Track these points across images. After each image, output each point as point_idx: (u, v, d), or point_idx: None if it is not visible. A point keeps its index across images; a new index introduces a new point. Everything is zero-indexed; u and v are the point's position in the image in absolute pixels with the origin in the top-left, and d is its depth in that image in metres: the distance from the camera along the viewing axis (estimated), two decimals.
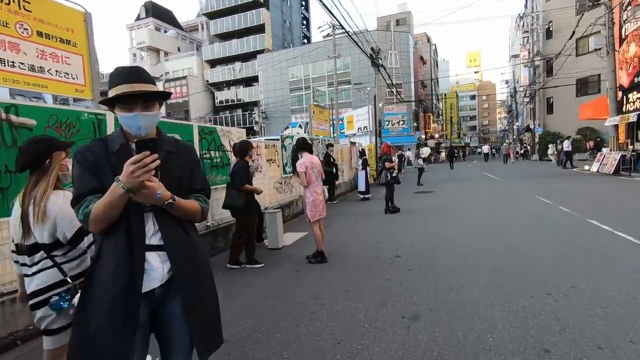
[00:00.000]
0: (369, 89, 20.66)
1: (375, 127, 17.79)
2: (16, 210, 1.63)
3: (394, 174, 7.70)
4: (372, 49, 16.18)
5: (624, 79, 14.64)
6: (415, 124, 38.26)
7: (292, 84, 38.38)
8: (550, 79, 27.94)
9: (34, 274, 1.60)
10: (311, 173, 4.39)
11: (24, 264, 1.65)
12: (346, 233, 6.19)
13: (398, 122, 34.49)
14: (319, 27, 23.18)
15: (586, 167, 16.35)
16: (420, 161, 14.38)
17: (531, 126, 30.71)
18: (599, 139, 17.80)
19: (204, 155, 5.53)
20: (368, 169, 11.05)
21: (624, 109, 14.82)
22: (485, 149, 30.06)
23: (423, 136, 39.08)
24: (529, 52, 35.00)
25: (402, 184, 14.94)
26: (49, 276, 1.59)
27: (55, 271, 1.59)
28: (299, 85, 37.78)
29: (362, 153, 11.03)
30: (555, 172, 16.23)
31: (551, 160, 26.23)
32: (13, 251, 1.72)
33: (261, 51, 41.18)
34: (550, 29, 29.53)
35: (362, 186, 10.65)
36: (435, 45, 55.03)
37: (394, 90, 30.85)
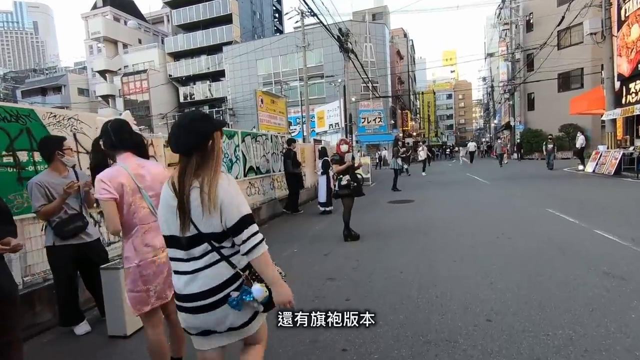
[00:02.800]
0: (339, 80, 18.33)
1: (346, 122, 15.44)
2: (167, 197, 1.42)
3: (345, 182, 5.22)
4: (339, 30, 13.83)
5: (624, 67, 12.91)
6: (393, 121, 36.32)
7: (261, 79, 35.59)
8: (531, 74, 26.54)
9: (197, 270, 1.39)
10: (131, 202, 1.88)
11: (177, 259, 1.43)
12: None
13: (374, 120, 32.45)
14: (287, 14, 20.47)
15: (580, 167, 14.61)
16: (399, 161, 12.05)
17: (512, 123, 29.30)
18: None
19: None
20: (331, 173, 8.63)
21: (623, 101, 13.10)
22: (472, 146, 27.18)
23: (400, 134, 37.20)
24: (507, 47, 33.76)
25: (375, 190, 13.00)
26: (219, 271, 1.39)
27: (224, 265, 1.40)
28: (269, 80, 35.03)
29: (322, 152, 8.58)
30: (548, 173, 14.39)
31: (536, 160, 24.83)
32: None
33: (228, 43, 38.21)
34: (531, 21, 28.18)
35: (322, 196, 8.23)
36: (412, 41, 53.53)
37: (369, 85, 28.76)
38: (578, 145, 15.33)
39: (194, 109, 40.23)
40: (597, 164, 13.42)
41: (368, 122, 31.81)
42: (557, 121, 25.09)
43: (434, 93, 72.92)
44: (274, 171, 8.71)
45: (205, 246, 1.38)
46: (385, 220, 6.85)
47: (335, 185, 5.55)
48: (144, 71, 39.90)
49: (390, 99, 35.56)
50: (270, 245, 1.44)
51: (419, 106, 59.92)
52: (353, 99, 26.59)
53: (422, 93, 63.55)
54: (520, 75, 28.77)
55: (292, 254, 4.90)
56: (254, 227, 1.37)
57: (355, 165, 5.63)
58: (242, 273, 1.41)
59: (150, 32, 47.61)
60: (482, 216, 6.59)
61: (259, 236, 1.37)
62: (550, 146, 15.95)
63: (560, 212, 6.30)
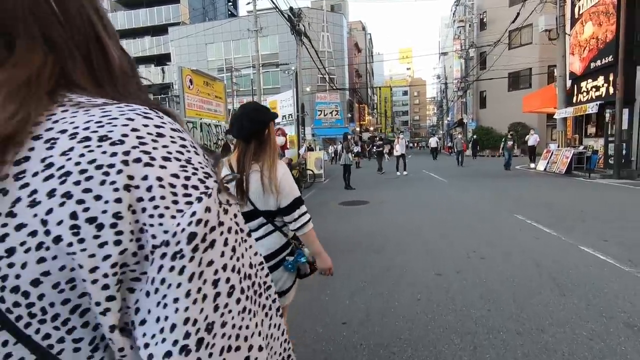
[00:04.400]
0: (293, 68, 16.90)
1: (297, 112, 14.11)
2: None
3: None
4: (291, 9, 12.39)
5: (576, 65, 12.86)
6: (350, 115, 35.58)
7: (211, 65, 33.05)
8: (483, 72, 26.93)
9: (257, 239, 1.58)
10: None
11: None
12: None
13: (331, 113, 31.42)
14: None
15: (532, 165, 14.58)
16: (350, 156, 11.00)
17: (465, 120, 29.74)
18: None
19: None
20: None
21: (574, 100, 13.09)
22: (433, 142, 26.51)
23: (358, 128, 36.62)
24: (461, 45, 34.29)
25: (327, 188, 11.72)
26: (275, 240, 1.60)
27: (278, 234, 1.61)
28: (220, 66, 32.62)
29: (224, 147, 7.11)
30: (503, 172, 14.15)
31: (487, 157, 25.26)
32: None
33: (176, 24, 35.09)
34: (485, 19, 28.60)
35: None
36: (370, 34, 53.24)
37: (326, 76, 27.64)
38: (531, 143, 15.32)
39: None
40: (548, 162, 13.37)
41: (325, 115, 30.71)
42: (507, 119, 25.69)
43: (391, 88, 73.76)
44: None
45: (260, 220, 1.57)
46: (332, 230, 5.65)
47: None
48: None
49: (347, 92, 34.74)
50: None
51: (376, 101, 60.09)
52: (308, 89, 25.34)
53: (380, 88, 63.85)
54: (474, 73, 29.19)
55: None
56: (304, 208, 1.59)
57: (294, 162, 4.35)
58: (292, 241, 1.65)
59: None
60: (446, 224, 5.62)
61: (307, 215, 1.58)
62: (510, 143, 15.27)
63: (531, 220, 5.50)
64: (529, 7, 14.51)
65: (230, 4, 48.12)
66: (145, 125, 0.34)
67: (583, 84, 12.53)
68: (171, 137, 0.35)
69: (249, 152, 1.50)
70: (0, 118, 0.31)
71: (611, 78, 10.73)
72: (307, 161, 13.68)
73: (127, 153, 0.32)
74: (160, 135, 0.34)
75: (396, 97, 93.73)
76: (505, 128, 25.90)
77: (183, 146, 0.35)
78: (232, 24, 32.16)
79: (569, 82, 13.40)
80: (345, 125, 32.27)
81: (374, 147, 23.39)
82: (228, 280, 0.35)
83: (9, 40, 0.34)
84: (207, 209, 0.34)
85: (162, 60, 36.77)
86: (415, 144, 73.53)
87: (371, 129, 45.92)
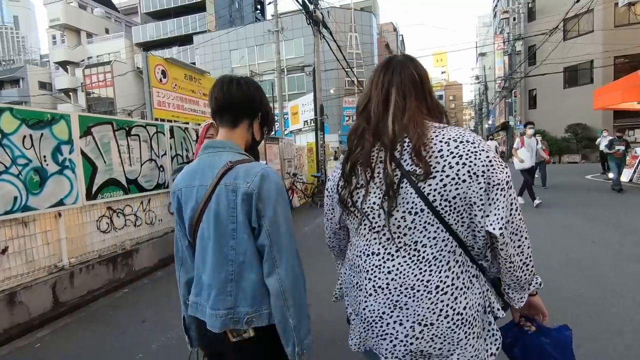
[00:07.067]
0: (310, 70, 15.07)
1: (316, 116, 12.17)
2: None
3: None
4: None
5: None
6: None
7: (236, 72, 32.12)
8: (533, 68, 23.69)
9: None
10: None
11: None
12: None
13: None
14: (270, 3, 16.93)
15: (610, 175, 11.60)
16: None
17: (511, 122, 26.41)
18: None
19: None
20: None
21: None
22: (492, 147, 23.26)
23: None
24: (504, 41, 31.02)
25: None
26: None
27: None
28: (244, 72, 31.59)
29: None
30: (582, 183, 11.22)
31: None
32: None
33: (202, 33, 34.69)
34: (534, 9, 25.38)
35: None
36: (402, 36, 50.67)
37: (354, 79, 25.58)
38: (604, 147, 12.30)
39: None
40: (635, 171, 10.43)
41: (353, 121, 28.66)
42: (563, 120, 22.28)
43: None
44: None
45: None
46: None
47: None
48: (108, 62, 36.09)
49: None
50: None
51: None
52: (332, 91, 23.42)
53: None
54: (521, 70, 25.93)
55: None
56: None
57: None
58: None
59: (122, 23, 43.66)
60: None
61: None
62: (619, 148, 9.38)
63: None
64: None
65: (258, 11, 47.60)
66: (471, 134, 0.95)
67: None
68: (481, 139, 0.94)
69: None
70: (414, 136, 0.92)
71: None
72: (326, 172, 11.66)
73: (476, 145, 0.91)
74: (479, 138, 0.94)
75: None
76: (560, 130, 22.50)
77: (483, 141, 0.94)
78: (257, 29, 31.11)
79: None
80: None
81: None
82: (516, 204, 0.92)
83: None
84: (508, 174, 0.92)
85: None
86: None
87: None
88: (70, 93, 39.11)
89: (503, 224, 0.89)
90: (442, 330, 0.91)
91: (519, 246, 0.93)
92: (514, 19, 27.71)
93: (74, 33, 38.86)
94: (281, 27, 20.88)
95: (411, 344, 0.94)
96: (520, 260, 0.94)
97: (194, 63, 34.44)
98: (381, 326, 0.96)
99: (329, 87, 24.86)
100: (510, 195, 0.90)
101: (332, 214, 1.16)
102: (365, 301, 0.99)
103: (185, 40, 36.20)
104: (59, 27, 37.40)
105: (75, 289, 3.75)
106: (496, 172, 0.89)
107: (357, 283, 1.03)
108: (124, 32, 39.41)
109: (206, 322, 1.07)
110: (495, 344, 0.99)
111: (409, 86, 0.99)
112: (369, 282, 0.98)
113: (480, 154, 0.90)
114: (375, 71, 1.07)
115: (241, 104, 1.16)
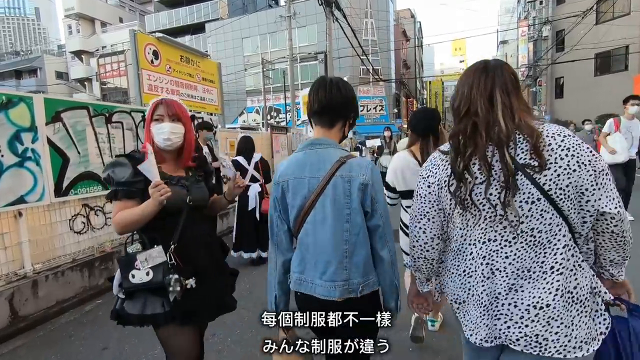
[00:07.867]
0: (321, 58, 14.27)
1: None
2: (410, 164, 2.14)
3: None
4: None
5: None
6: (396, 110, 32.09)
7: (247, 60, 31.48)
8: (561, 55, 22.18)
9: None
10: None
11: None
12: None
13: (375, 108, 28.39)
14: None
15: None
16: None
17: (536, 113, 24.99)
18: None
19: None
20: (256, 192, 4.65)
21: None
22: None
23: (405, 125, 33.02)
24: (528, 26, 29.33)
25: None
26: None
27: None
28: (256, 61, 30.89)
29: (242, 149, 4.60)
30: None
31: None
32: None
33: (215, 20, 34.09)
34: None
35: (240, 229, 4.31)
36: (420, 23, 48.85)
37: (369, 67, 24.56)
38: None
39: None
40: None
41: (367, 111, 27.75)
42: (594, 111, 20.77)
43: (442, 82, 68.10)
44: None
45: None
46: None
47: None
48: (121, 52, 35.95)
49: (393, 85, 31.32)
50: None
51: (425, 96, 55.35)
52: (345, 78, 22.57)
53: (430, 82, 58.87)
54: (547, 57, 24.38)
55: None
56: None
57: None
58: None
59: (136, 12, 43.47)
60: None
61: None
62: None
63: None
64: None
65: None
66: (565, 129, 1.02)
67: None
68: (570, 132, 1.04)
69: (428, 145, 2.09)
70: (531, 134, 1.00)
71: None
72: None
73: (576, 139, 1.00)
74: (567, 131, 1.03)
75: (448, 92, 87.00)
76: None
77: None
78: (269, 16, 30.24)
79: None
80: (392, 121, 28.95)
81: None
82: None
83: None
84: (605, 160, 1.01)
85: None
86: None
87: None
88: (86, 83, 39.33)
89: (617, 203, 1.00)
90: (558, 310, 0.97)
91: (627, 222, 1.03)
92: (541, 2, 26.03)
93: (89, 22, 38.84)
94: (293, 12, 20.09)
95: (526, 326, 1.00)
96: (629, 234, 1.04)
97: (207, 51, 34.01)
98: (496, 306, 1.04)
99: (344, 76, 23.85)
100: (610, 179, 1.01)
101: (433, 218, 1.17)
102: (483, 285, 1.06)
103: (197, 28, 35.69)
104: (74, 16, 37.40)
105: (40, 300, 3.24)
106: (599, 160, 1.00)
107: (464, 270, 1.12)
108: (138, 21, 39.17)
109: (315, 295, 1.26)
110: (604, 324, 1.03)
111: (510, 86, 1.06)
112: (487, 267, 1.05)
113: (582, 146, 0.99)
114: (469, 75, 1.11)
115: (340, 106, 1.32)
